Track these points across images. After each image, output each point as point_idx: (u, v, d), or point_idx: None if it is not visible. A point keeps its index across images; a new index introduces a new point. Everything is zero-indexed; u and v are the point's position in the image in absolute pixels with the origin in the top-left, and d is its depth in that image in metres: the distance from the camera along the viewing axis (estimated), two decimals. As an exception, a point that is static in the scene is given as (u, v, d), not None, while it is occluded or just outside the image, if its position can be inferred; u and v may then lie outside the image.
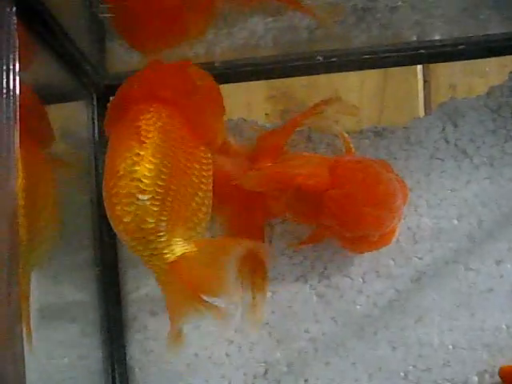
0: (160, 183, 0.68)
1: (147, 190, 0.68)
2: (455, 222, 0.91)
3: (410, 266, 0.91)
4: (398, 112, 0.97)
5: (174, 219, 0.69)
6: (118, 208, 0.68)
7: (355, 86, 0.98)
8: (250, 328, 0.90)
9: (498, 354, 0.89)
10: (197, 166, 0.73)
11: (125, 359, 0.91)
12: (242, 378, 0.91)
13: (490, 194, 0.91)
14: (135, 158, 0.68)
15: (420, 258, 0.91)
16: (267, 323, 0.91)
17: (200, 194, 0.73)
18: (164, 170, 0.69)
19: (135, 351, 0.92)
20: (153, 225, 0.68)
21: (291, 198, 0.84)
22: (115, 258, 0.91)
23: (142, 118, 0.71)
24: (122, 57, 0.88)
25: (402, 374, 0.91)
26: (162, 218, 0.68)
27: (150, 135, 0.70)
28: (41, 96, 0.78)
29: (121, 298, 0.92)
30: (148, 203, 0.68)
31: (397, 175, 0.86)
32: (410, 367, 0.90)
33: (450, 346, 0.90)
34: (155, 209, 0.68)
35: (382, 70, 0.97)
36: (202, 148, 0.75)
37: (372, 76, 0.97)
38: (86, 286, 0.90)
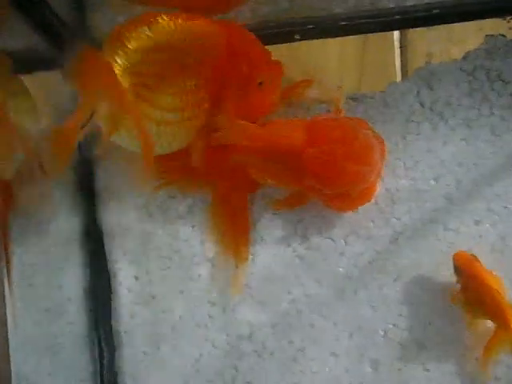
0: None
1: None
2: (432, 182, 0.93)
3: (389, 226, 0.92)
4: (375, 78, 0.98)
5: None
6: None
7: (334, 54, 1.00)
8: (232, 294, 0.92)
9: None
10: None
11: (110, 323, 0.93)
12: (225, 339, 0.92)
13: (466, 155, 0.93)
14: None
15: (398, 219, 0.92)
16: (250, 286, 0.92)
17: None
18: None
19: (121, 315, 0.93)
20: None
21: (271, 164, 0.86)
22: (100, 226, 0.93)
23: None
24: (102, 27, 0.90)
25: (381, 332, 0.92)
26: None
27: None
28: (23, 64, 0.81)
29: (106, 265, 0.93)
30: None
31: (374, 131, 0.87)
32: (390, 326, 0.92)
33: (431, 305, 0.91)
34: None
35: (361, 38, 0.98)
36: None
37: (350, 44, 0.99)
38: (72, 254, 0.93)
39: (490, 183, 0.92)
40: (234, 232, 0.91)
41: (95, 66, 0.76)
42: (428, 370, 0.91)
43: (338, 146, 0.82)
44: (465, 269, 0.86)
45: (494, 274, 0.86)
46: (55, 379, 0.93)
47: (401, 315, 0.92)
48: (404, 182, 0.93)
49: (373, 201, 0.92)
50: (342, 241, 0.92)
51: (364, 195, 0.87)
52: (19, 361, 0.93)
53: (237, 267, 0.92)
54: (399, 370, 0.91)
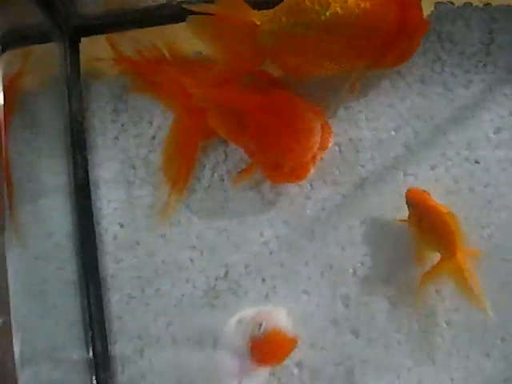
0: None
1: None
2: (393, 133, 1.01)
3: (354, 173, 1.00)
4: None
5: None
6: None
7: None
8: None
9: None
10: None
11: (97, 268, 0.99)
12: (204, 280, 0.99)
13: (422, 108, 1.01)
14: None
15: (362, 166, 1.00)
16: (225, 229, 0.99)
17: None
18: None
19: (107, 260, 1.00)
20: None
21: (225, 117, 0.94)
22: (86, 177, 1.00)
23: None
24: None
25: (351, 270, 0.99)
26: None
27: None
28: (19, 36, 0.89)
29: (92, 213, 1.00)
30: None
31: (326, 122, 0.95)
32: (359, 264, 0.99)
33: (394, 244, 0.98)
34: None
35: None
36: None
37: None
38: (60, 204, 0.99)
39: (444, 132, 1.01)
40: (179, 166, 0.98)
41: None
42: (393, 303, 0.97)
43: (282, 119, 0.91)
44: (416, 202, 0.93)
45: (445, 207, 0.93)
46: (46, 323, 0.97)
47: (367, 254, 0.98)
48: (366, 133, 1.01)
49: (337, 149, 1.00)
50: (309, 186, 1.00)
51: (295, 173, 0.94)
52: (13, 306, 0.98)
53: (169, 197, 0.98)
54: (366, 304, 0.97)
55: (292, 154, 0.91)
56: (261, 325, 0.93)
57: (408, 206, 0.94)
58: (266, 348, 0.95)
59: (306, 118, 0.92)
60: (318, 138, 0.92)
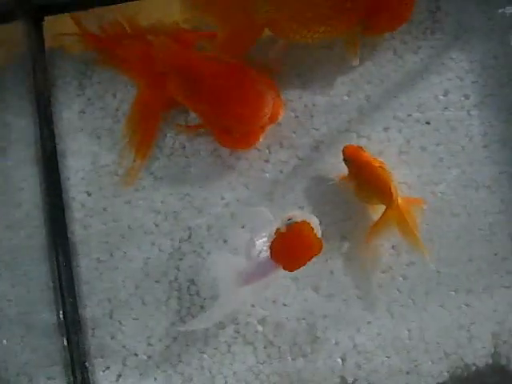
0: None
1: None
2: (345, 98, 1.06)
3: (309, 136, 1.05)
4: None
5: None
6: None
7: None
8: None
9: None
10: None
11: (66, 235, 1.03)
12: (169, 243, 1.03)
13: (374, 74, 1.06)
14: None
15: (317, 129, 1.05)
16: (187, 194, 1.04)
17: None
18: None
19: (75, 227, 1.04)
20: None
21: (184, 83, 0.99)
22: (54, 149, 1.05)
23: None
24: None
25: (309, 228, 1.03)
26: None
27: None
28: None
29: (60, 183, 1.05)
30: None
31: (278, 95, 1.00)
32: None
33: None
34: None
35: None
36: None
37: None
38: (29, 175, 1.04)
39: (395, 95, 1.06)
40: (142, 135, 1.03)
41: None
42: (350, 259, 1.02)
43: (234, 87, 0.97)
44: (352, 158, 0.97)
45: (379, 160, 0.98)
46: (18, 290, 1.02)
47: (324, 213, 1.02)
48: (320, 98, 1.06)
49: (293, 115, 1.05)
50: (267, 150, 1.04)
51: (244, 139, 1.00)
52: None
53: (134, 161, 1.03)
54: (325, 260, 1.02)
55: (241, 121, 0.97)
56: (290, 218, 0.86)
57: (345, 163, 0.98)
58: (289, 242, 0.86)
59: (257, 89, 0.97)
60: (268, 109, 0.97)
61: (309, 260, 0.87)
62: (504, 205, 1.03)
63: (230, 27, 1.02)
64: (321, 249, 0.86)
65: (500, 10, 1.08)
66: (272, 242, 0.87)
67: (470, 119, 1.05)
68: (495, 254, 1.02)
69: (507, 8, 1.07)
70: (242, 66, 0.99)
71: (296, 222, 0.86)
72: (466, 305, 1.01)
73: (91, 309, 1.02)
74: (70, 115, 1.06)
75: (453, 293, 1.01)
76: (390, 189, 0.94)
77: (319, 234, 0.86)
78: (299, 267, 0.88)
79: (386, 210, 0.96)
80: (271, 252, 0.87)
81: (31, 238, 1.02)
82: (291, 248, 0.86)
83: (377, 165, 0.96)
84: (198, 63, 0.98)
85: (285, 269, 0.87)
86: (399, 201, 0.95)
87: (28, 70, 1.05)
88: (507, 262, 1.02)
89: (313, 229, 0.85)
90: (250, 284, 0.88)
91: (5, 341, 0.98)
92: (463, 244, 1.02)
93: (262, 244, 0.89)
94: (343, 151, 0.98)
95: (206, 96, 0.97)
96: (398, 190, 0.95)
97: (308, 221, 0.85)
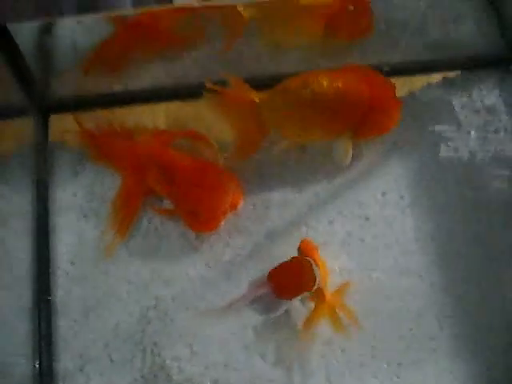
0: None
1: None
2: (297, 195, 1.25)
3: (264, 225, 1.22)
4: None
5: None
6: None
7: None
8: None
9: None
10: None
11: (50, 297, 1.18)
12: (138, 309, 1.17)
13: (321, 174, 1.25)
14: None
15: (272, 221, 1.22)
16: (157, 268, 1.20)
17: None
18: None
19: (58, 291, 1.18)
20: None
21: (160, 175, 1.19)
22: (47, 224, 1.23)
23: None
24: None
25: (259, 304, 1.18)
26: None
27: None
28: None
29: (49, 253, 1.21)
30: None
31: (238, 187, 1.19)
32: (265, 299, 1.18)
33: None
34: None
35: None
36: None
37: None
38: (23, 245, 1.21)
39: (340, 194, 1.24)
40: (123, 217, 1.21)
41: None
42: (296, 332, 1.16)
43: (202, 179, 1.17)
44: (304, 252, 1.11)
45: (322, 260, 1.12)
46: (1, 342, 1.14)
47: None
48: (276, 194, 1.24)
49: (251, 207, 1.23)
50: (227, 236, 1.22)
51: (208, 223, 1.17)
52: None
53: (113, 241, 1.20)
54: (273, 332, 1.16)
55: (206, 206, 1.15)
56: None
57: (298, 254, 1.13)
58: (285, 273, 1.05)
59: (220, 180, 1.17)
60: (228, 197, 1.16)
61: (301, 293, 1.04)
62: (433, 290, 1.17)
63: (243, 135, 1.22)
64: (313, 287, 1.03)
65: (430, 128, 1.28)
66: (269, 272, 1.04)
67: (404, 216, 1.22)
68: (423, 333, 1.15)
69: (436, 126, 1.28)
70: (209, 162, 1.19)
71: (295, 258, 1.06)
72: (397, 376, 1.14)
73: (64, 362, 1.15)
74: (63, 196, 1.24)
75: (385, 365, 1.14)
76: (322, 289, 1.08)
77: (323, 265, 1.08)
78: (291, 297, 1.04)
79: (317, 303, 1.10)
80: (269, 275, 1.03)
81: (19, 299, 1.17)
82: (290, 276, 1.05)
83: (319, 264, 1.09)
84: (172, 159, 1.19)
85: (278, 295, 1.03)
86: (328, 296, 1.09)
87: (32, 158, 1.24)
88: (434, 341, 1.15)
89: (312, 264, 1.04)
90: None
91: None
92: (395, 323, 1.16)
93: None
94: (300, 244, 1.12)
95: (178, 185, 1.17)
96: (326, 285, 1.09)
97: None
